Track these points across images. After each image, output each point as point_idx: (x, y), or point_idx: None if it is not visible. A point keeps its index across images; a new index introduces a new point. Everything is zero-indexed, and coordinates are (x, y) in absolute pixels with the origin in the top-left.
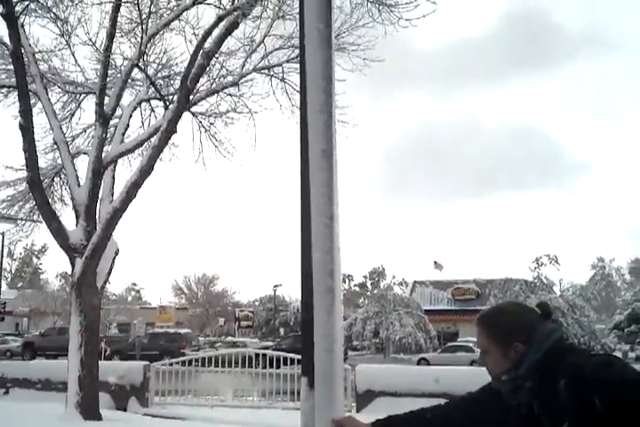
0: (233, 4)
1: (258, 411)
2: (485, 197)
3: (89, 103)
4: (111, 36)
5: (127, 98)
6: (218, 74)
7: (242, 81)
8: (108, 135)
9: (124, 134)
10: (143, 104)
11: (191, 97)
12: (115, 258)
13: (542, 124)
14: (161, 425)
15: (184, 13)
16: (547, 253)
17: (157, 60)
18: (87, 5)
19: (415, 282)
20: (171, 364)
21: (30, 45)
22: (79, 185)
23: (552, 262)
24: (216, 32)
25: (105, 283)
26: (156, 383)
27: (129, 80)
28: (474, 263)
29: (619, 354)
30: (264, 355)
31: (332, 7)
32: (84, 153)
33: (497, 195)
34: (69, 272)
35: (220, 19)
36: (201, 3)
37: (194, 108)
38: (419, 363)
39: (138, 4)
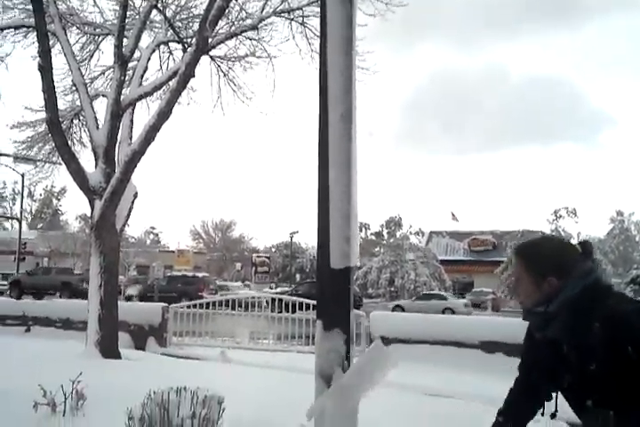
0: None
1: (273, 354)
2: (504, 150)
3: (107, 44)
4: None
5: (146, 40)
6: (237, 17)
7: (261, 24)
8: (127, 78)
9: (142, 77)
10: (162, 47)
11: (210, 40)
12: (133, 201)
13: (567, 76)
14: (178, 364)
15: None
16: (565, 206)
17: (176, 2)
18: None
19: (432, 232)
20: (188, 306)
21: None
22: (98, 127)
23: (570, 215)
24: None
25: (124, 225)
26: (173, 324)
27: (148, 22)
28: (491, 215)
29: None
30: (280, 300)
31: None
32: (103, 95)
33: (517, 148)
34: (89, 214)
35: None
36: None
37: (212, 52)
38: (394, 310)
39: None
